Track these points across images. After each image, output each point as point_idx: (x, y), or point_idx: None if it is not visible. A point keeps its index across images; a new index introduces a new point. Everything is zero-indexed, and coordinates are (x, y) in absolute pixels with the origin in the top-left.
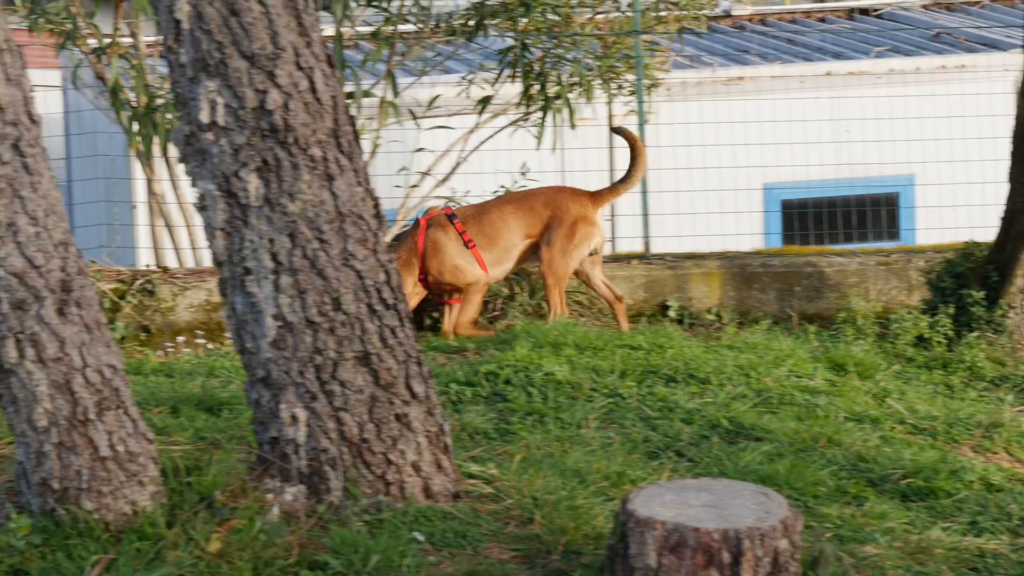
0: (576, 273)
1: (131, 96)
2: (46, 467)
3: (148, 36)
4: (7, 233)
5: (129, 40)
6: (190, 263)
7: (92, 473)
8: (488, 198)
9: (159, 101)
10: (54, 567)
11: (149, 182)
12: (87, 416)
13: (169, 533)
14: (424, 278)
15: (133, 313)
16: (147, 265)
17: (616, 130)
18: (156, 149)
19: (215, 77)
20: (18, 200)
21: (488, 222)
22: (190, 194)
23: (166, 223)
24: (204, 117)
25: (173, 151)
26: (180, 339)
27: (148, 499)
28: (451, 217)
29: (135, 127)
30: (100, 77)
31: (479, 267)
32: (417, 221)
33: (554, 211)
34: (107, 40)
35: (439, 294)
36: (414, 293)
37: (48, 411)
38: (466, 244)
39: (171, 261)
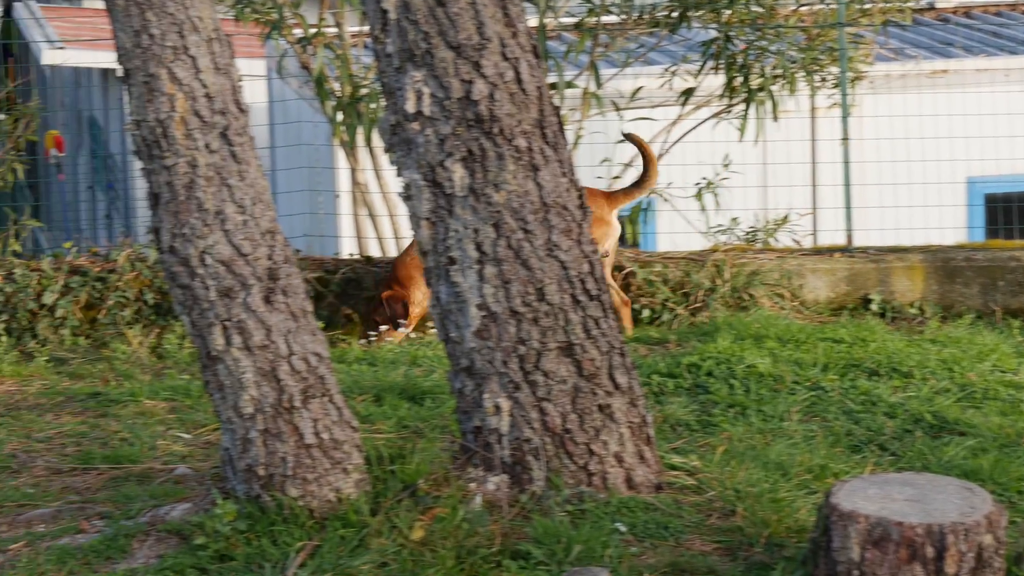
0: None
1: (335, 86)
2: (252, 454)
3: (352, 26)
4: (215, 221)
5: (334, 30)
6: (393, 253)
7: (297, 460)
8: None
9: (363, 91)
10: (259, 553)
11: (352, 171)
12: (292, 404)
13: (373, 521)
14: None
15: (336, 301)
16: (350, 254)
17: (627, 136)
18: (360, 139)
19: (421, 67)
20: (226, 188)
21: None
22: (393, 183)
23: (369, 212)
24: (410, 107)
25: (377, 140)
26: (383, 328)
27: (352, 487)
28: None
29: (339, 117)
30: (305, 67)
31: None
32: None
33: None
34: (312, 30)
35: None
36: (428, 293)
37: (254, 398)
38: None
39: (374, 250)
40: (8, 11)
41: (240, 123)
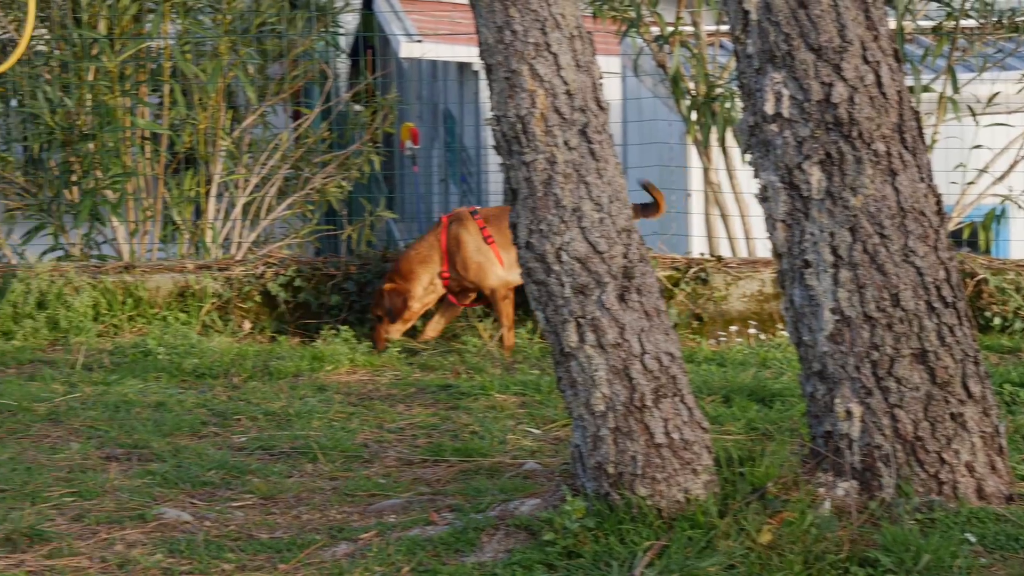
0: None
1: (691, 85)
2: (602, 451)
3: (709, 25)
4: (572, 218)
5: (690, 28)
6: (743, 253)
7: (647, 459)
8: None
9: (718, 90)
10: (606, 551)
11: (705, 171)
12: (644, 403)
13: (721, 523)
14: (446, 276)
15: (686, 301)
16: (701, 253)
17: (644, 186)
18: (713, 138)
19: (781, 68)
20: (583, 186)
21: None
22: (746, 184)
23: (721, 212)
24: (769, 108)
25: (730, 140)
26: (732, 328)
27: (701, 488)
28: (473, 214)
29: (693, 116)
30: (661, 65)
31: (499, 267)
32: (440, 219)
33: None
34: (669, 28)
35: (457, 293)
36: (430, 290)
37: (606, 396)
38: (486, 240)
39: (725, 250)
40: (368, 4)
41: (599, 121)
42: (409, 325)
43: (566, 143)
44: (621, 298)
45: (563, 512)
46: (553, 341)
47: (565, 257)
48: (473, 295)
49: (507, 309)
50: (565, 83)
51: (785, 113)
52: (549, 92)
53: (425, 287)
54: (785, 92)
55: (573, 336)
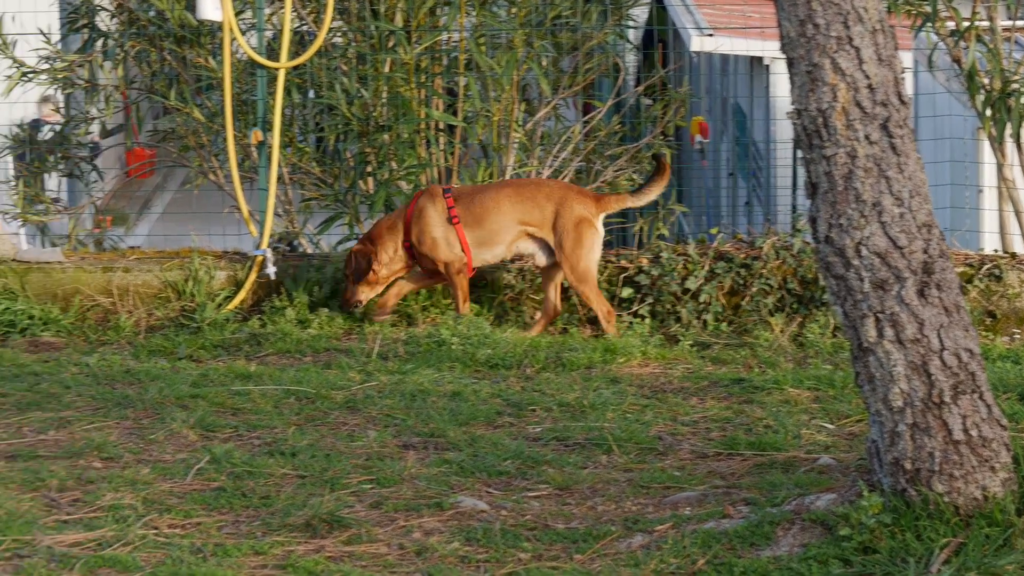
0: (538, 267)
1: (985, 80)
2: (899, 447)
3: (1004, 21)
4: (871, 213)
5: (986, 24)
6: None
7: (944, 456)
8: None
9: (1013, 86)
10: (903, 547)
11: (999, 167)
12: (942, 399)
13: (1019, 521)
14: (408, 246)
15: (979, 298)
16: (994, 250)
17: (655, 158)
18: (1008, 134)
19: None
20: (884, 180)
21: (479, 202)
22: None
23: (1014, 208)
24: None
25: None
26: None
27: (999, 485)
28: (446, 192)
29: (988, 112)
30: (955, 60)
31: (459, 247)
32: (415, 192)
33: (558, 207)
34: (965, 23)
35: (423, 266)
36: (396, 259)
37: (904, 392)
38: (450, 219)
39: (1018, 247)
40: None
41: (901, 115)
42: (377, 289)
43: (867, 137)
44: (920, 293)
45: (859, 508)
46: (851, 336)
47: (864, 252)
48: (433, 270)
49: (462, 282)
50: (867, 77)
51: None
52: (851, 86)
53: (391, 255)
54: None
55: (872, 331)
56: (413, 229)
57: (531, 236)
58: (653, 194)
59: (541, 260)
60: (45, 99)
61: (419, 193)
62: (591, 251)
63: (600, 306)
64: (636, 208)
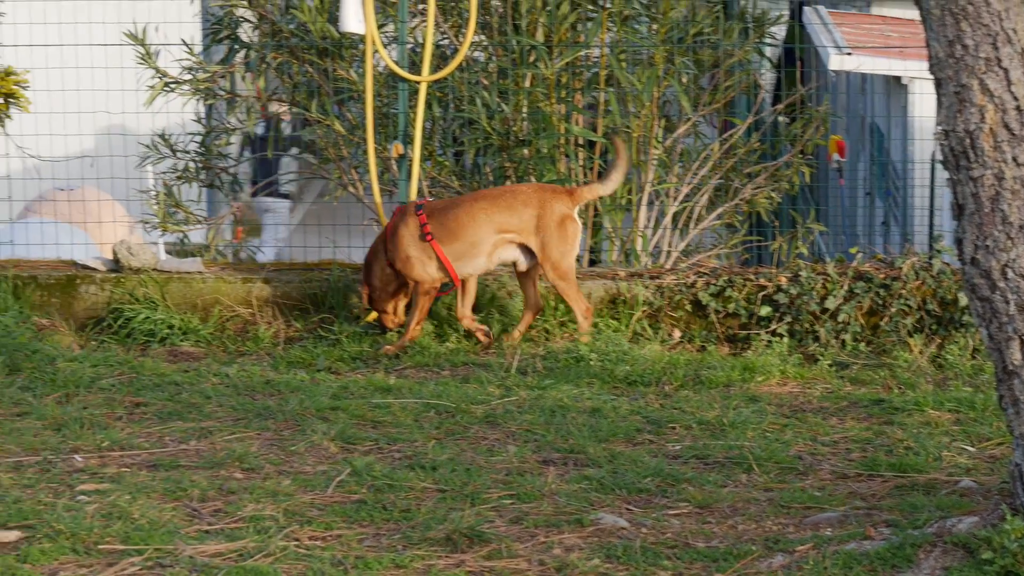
0: (515, 264)
1: None
2: None
3: None
4: (1018, 235)
5: None
6: None
7: None
8: None
9: None
10: None
11: None
12: None
13: None
14: (391, 264)
15: None
16: None
17: (608, 136)
18: None
19: None
20: None
21: (453, 216)
22: None
23: None
24: None
25: None
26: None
27: None
28: (418, 208)
29: None
30: None
31: (432, 266)
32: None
33: (538, 210)
34: None
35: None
36: (388, 281)
37: None
38: (423, 236)
39: None
40: (796, 16)
41: None
42: (393, 311)
43: (1015, 159)
44: None
45: (1002, 531)
46: (996, 359)
47: (1011, 274)
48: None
49: (424, 304)
50: (1015, 98)
51: None
52: (999, 107)
53: (380, 279)
54: None
55: (1017, 354)
56: (390, 248)
57: (512, 243)
58: (618, 178)
59: (523, 265)
60: (272, 97)
61: (395, 212)
62: (574, 248)
63: (579, 304)
64: (604, 196)
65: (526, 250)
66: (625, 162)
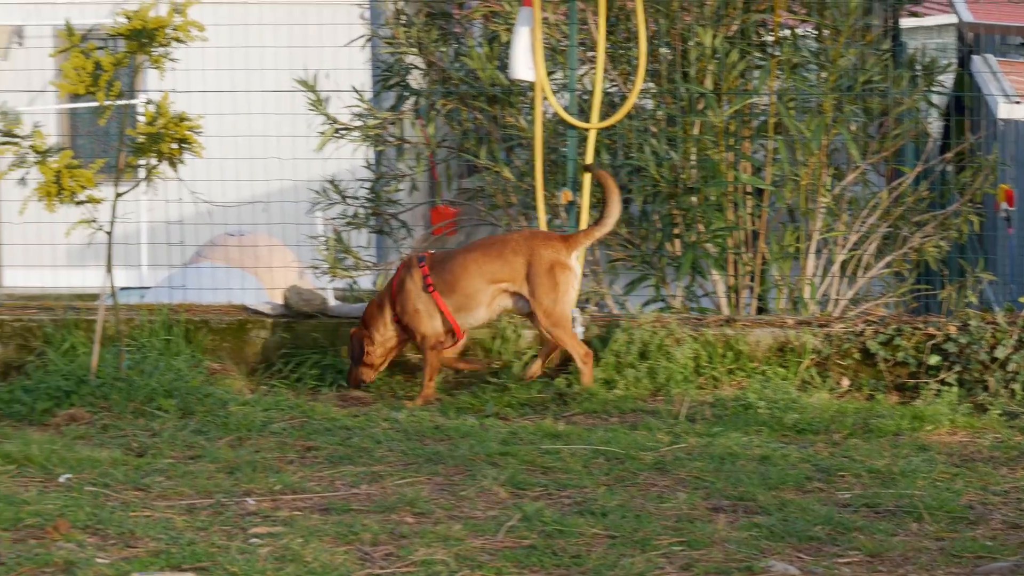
0: (525, 316)
1: None
2: None
3: None
4: None
5: None
6: None
7: None
8: None
9: None
10: None
11: None
12: None
13: None
14: (397, 319)
15: None
16: None
17: (587, 168)
18: None
19: None
20: None
21: (449, 268)
22: None
23: None
24: None
25: None
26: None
27: None
28: (420, 260)
29: None
30: None
31: (437, 319)
32: (400, 262)
33: (528, 258)
34: None
35: (412, 339)
36: (389, 336)
37: None
38: (426, 288)
39: None
40: (965, 64)
41: None
42: (379, 368)
43: None
44: None
45: None
46: None
47: None
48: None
49: (432, 359)
50: None
51: None
52: None
53: (382, 332)
54: None
55: None
56: (397, 302)
57: (508, 292)
58: (613, 217)
59: (525, 311)
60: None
61: (401, 265)
62: (566, 294)
63: (576, 349)
64: (605, 235)
65: (523, 298)
66: (616, 197)
